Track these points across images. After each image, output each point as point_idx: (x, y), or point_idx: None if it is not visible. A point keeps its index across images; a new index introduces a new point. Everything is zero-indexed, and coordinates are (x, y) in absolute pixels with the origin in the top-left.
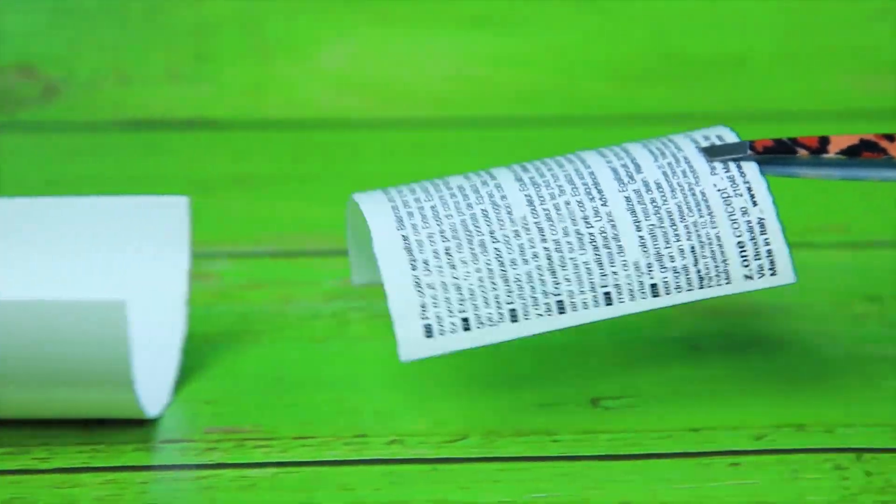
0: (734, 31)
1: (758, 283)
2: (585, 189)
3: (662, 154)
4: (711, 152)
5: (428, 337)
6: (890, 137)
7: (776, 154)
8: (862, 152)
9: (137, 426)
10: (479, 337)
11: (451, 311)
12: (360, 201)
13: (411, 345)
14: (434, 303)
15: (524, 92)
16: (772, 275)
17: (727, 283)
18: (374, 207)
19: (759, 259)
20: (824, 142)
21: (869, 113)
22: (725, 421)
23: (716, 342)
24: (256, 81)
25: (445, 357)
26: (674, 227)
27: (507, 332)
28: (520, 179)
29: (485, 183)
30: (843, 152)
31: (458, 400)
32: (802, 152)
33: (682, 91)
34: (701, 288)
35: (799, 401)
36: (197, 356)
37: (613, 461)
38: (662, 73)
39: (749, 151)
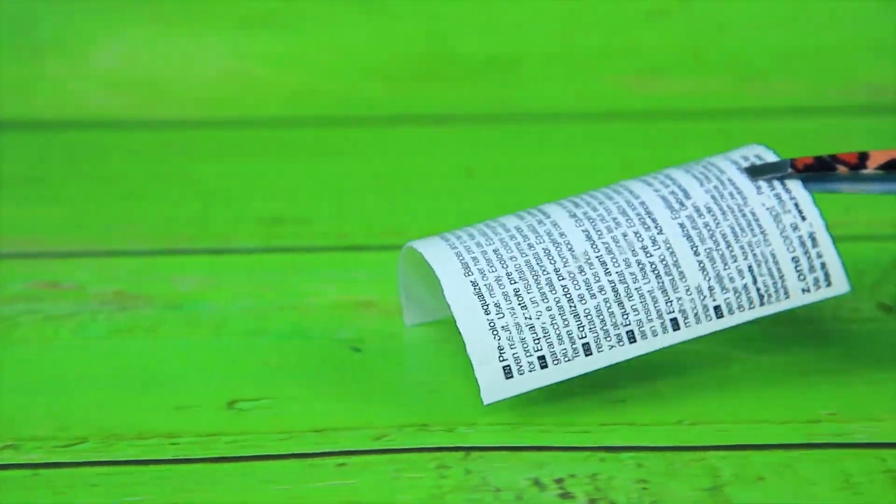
0: (509, 32)
1: (815, 296)
2: (640, 219)
3: (707, 178)
4: (753, 172)
5: (508, 378)
6: None
7: (816, 172)
8: None
9: None
10: (556, 373)
11: (527, 351)
12: (423, 250)
13: (493, 387)
14: (510, 344)
15: (298, 92)
16: (827, 286)
17: (786, 298)
18: (439, 256)
19: (814, 272)
20: (863, 157)
21: (640, 114)
22: (352, 422)
23: (377, 344)
24: (26, 81)
25: (89, 360)
26: (730, 249)
27: (582, 365)
28: (574, 215)
29: (541, 222)
30: (881, 167)
31: (90, 403)
32: (842, 169)
33: (455, 92)
34: (762, 305)
35: (427, 401)
36: None
37: (223, 463)
38: (437, 74)
39: (790, 170)
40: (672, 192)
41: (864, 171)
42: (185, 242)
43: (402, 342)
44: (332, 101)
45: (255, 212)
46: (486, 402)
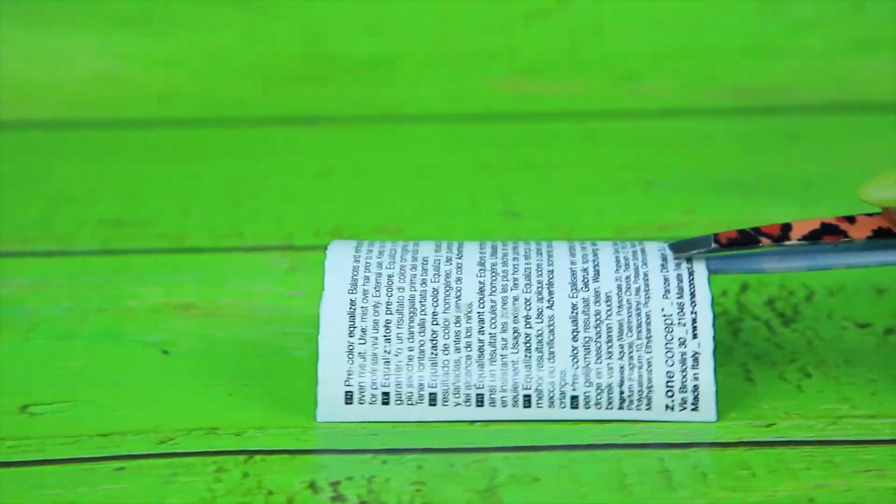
0: (387, 33)
1: (677, 416)
2: (538, 288)
3: (626, 265)
4: (677, 248)
5: (347, 403)
6: (850, 219)
7: (740, 245)
8: (822, 236)
9: None
10: (396, 413)
11: (374, 384)
12: (330, 254)
13: (330, 407)
14: (361, 372)
15: (167, 93)
16: (693, 410)
17: (647, 409)
18: (337, 265)
19: (683, 392)
20: (786, 229)
21: (510, 116)
22: (141, 425)
23: (189, 347)
24: None
25: None
26: (609, 344)
27: (422, 413)
28: (482, 263)
29: (449, 260)
30: (804, 238)
31: None
32: (765, 241)
33: (329, 93)
34: (620, 409)
35: (223, 404)
36: None
37: (2, 468)
38: (311, 75)
39: (714, 245)
40: (584, 270)
41: (788, 243)
42: (20, 245)
43: (214, 345)
44: (202, 103)
45: (100, 213)
46: (319, 420)
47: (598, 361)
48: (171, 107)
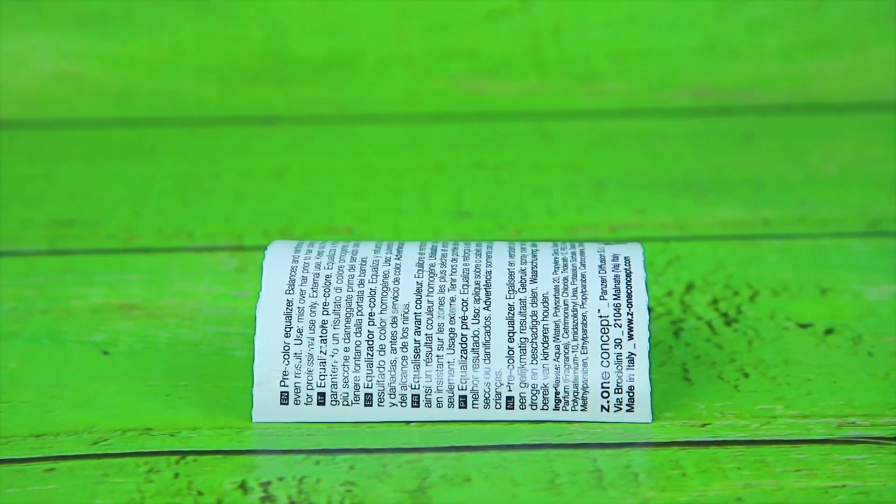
0: (348, 33)
1: (613, 416)
2: (475, 288)
3: (564, 266)
4: None
5: (283, 404)
6: None
7: None
8: None
9: None
10: (332, 414)
11: (309, 384)
12: (268, 254)
13: (265, 408)
14: (296, 373)
15: (125, 93)
16: (628, 411)
17: (583, 410)
18: (275, 263)
19: (619, 393)
20: None
21: (467, 116)
22: (75, 426)
23: (129, 347)
24: None
25: None
26: (545, 345)
27: (358, 414)
28: (420, 264)
29: (388, 261)
30: None
31: None
32: None
33: (287, 93)
34: (556, 409)
35: (158, 405)
36: None
37: None
38: (268, 75)
39: None
40: (522, 270)
41: None
42: None
43: (154, 345)
44: (160, 103)
45: (50, 214)
46: (255, 421)
47: (534, 362)
48: (129, 107)
